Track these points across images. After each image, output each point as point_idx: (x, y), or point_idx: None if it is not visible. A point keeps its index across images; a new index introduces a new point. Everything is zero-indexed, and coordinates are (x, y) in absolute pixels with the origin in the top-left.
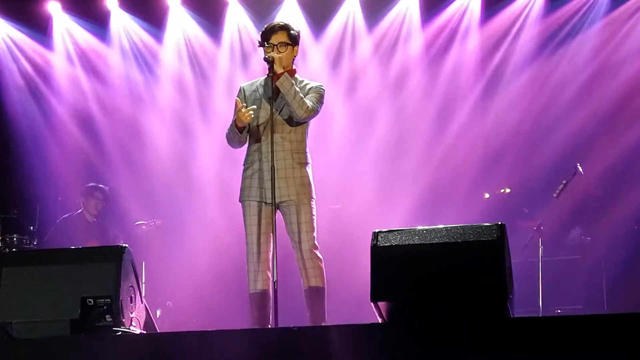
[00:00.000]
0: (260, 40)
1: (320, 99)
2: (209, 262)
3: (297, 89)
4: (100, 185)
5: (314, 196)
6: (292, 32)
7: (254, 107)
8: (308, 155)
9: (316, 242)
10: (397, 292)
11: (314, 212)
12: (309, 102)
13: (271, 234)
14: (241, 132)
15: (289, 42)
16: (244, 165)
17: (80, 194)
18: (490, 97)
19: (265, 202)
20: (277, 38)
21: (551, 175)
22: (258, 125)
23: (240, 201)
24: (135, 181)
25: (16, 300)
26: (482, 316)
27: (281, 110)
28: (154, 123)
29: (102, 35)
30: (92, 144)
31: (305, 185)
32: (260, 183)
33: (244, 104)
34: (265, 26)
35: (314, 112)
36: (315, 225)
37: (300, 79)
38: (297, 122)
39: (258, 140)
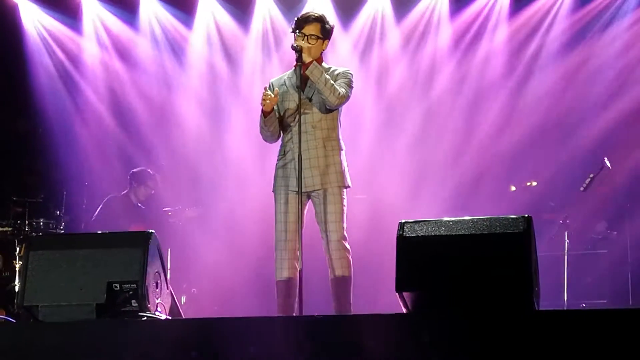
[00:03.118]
0: (293, 26)
1: (349, 84)
2: (235, 250)
3: (327, 76)
4: (154, 174)
5: (348, 183)
6: (326, 25)
7: (277, 90)
8: (341, 142)
9: (345, 233)
10: (422, 283)
11: (345, 202)
12: (340, 89)
13: (299, 223)
14: (266, 117)
15: (321, 35)
16: (277, 156)
17: (131, 177)
18: (519, 90)
19: (296, 192)
20: (309, 29)
21: (578, 169)
22: (289, 116)
23: (272, 191)
24: (161, 167)
25: (42, 284)
26: (507, 308)
27: (310, 98)
28: (182, 109)
29: (132, 20)
30: (119, 129)
31: (337, 172)
32: (291, 172)
33: (267, 87)
34: (302, 14)
35: (346, 97)
36: (345, 215)
37: (327, 66)
38: (327, 110)
39: (289, 131)
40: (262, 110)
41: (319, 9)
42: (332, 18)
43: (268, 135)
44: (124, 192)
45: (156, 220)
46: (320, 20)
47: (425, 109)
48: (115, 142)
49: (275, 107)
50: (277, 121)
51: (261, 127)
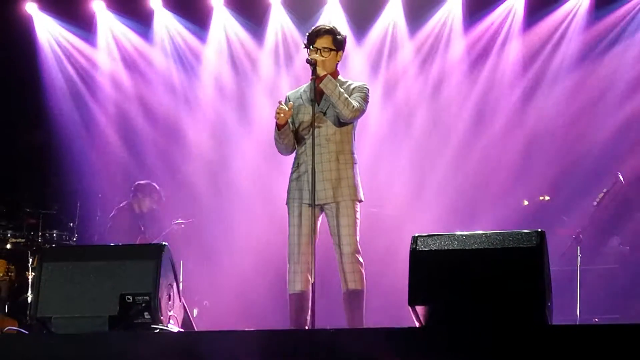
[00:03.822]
0: (305, 42)
1: (365, 98)
2: (246, 263)
3: (342, 90)
4: (157, 187)
5: (361, 198)
6: (337, 37)
7: (291, 103)
8: (355, 156)
9: (358, 246)
10: (435, 297)
11: (358, 215)
12: (354, 102)
13: (312, 236)
14: (280, 130)
15: (333, 47)
16: (291, 168)
17: (135, 188)
18: (532, 103)
19: (308, 204)
20: (321, 42)
21: (591, 184)
22: (303, 129)
23: (286, 204)
24: (174, 179)
25: (55, 295)
26: (520, 323)
27: (325, 112)
28: (195, 122)
29: (145, 34)
30: (133, 142)
31: (350, 187)
32: (304, 185)
33: (282, 101)
34: (312, 28)
35: (360, 111)
36: (357, 228)
37: (343, 79)
38: (342, 123)
39: (303, 144)
40: (276, 123)
41: (334, 23)
42: (345, 31)
43: (282, 148)
44: (124, 204)
45: (167, 230)
46: (332, 32)
47: (437, 121)
48: (128, 154)
49: (289, 120)
50: (291, 134)
51: (275, 140)
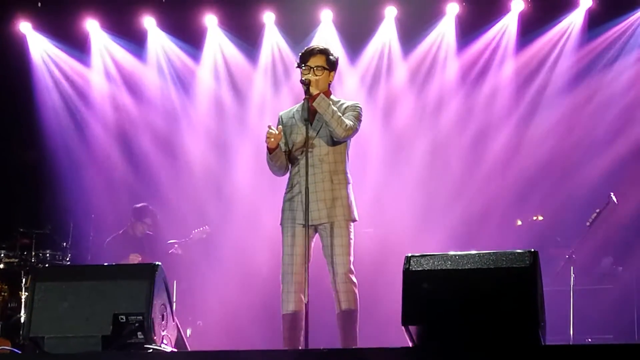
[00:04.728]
0: (298, 61)
1: (358, 117)
2: (240, 283)
3: (335, 109)
4: (152, 210)
5: (355, 217)
6: (330, 57)
7: (280, 127)
8: (348, 175)
9: (352, 267)
10: (428, 317)
11: (352, 236)
12: (347, 121)
13: (306, 256)
14: (271, 153)
15: (326, 66)
16: (285, 189)
17: (132, 212)
18: (525, 124)
19: (303, 225)
20: (314, 61)
21: (584, 204)
22: (297, 149)
23: (280, 224)
24: (168, 200)
25: (49, 315)
26: (513, 343)
27: (318, 131)
28: (188, 142)
29: (139, 53)
30: (126, 162)
31: (344, 206)
32: (298, 205)
33: (271, 125)
34: (305, 48)
35: (353, 130)
36: (352, 249)
37: (336, 99)
38: (335, 143)
39: (297, 164)
40: (267, 146)
41: (326, 43)
42: (339, 52)
43: (275, 169)
44: (123, 229)
45: (161, 252)
46: (325, 52)
47: (431, 143)
48: (122, 174)
49: (282, 141)
50: (283, 155)
51: (268, 162)
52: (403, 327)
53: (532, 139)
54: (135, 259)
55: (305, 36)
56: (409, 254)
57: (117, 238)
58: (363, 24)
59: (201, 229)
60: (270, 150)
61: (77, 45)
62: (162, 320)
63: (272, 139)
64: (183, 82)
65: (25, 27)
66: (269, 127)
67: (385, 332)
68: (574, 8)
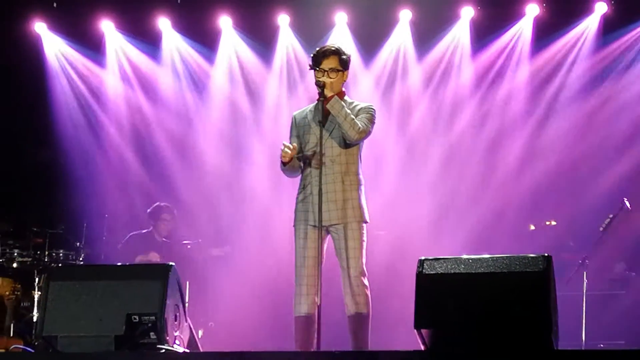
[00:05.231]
0: (311, 63)
1: (371, 119)
2: (252, 284)
3: (348, 111)
4: (166, 206)
5: (367, 219)
6: (343, 57)
7: (295, 145)
8: (361, 177)
9: (364, 268)
10: (441, 320)
11: (364, 237)
12: (360, 123)
13: (318, 258)
14: (285, 165)
15: (340, 67)
16: (298, 190)
17: (148, 216)
18: (539, 129)
19: (315, 226)
20: (328, 63)
21: (598, 210)
22: (309, 150)
23: (293, 226)
24: (181, 200)
25: (62, 314)
26: (526, 347)
27: (331, 133)
28: (203, 144)
29: (154, 54)
30: (140, 162)
31: (355, 208)
32: (310, 207)
33: (285, 143)
34: (317, 49)
35: (366, 132)
36: (364, 251)
37: (349, 100)
38: (347, 144)
39: (309, 165)
40: (281, 161)
41: (340, 45)
42: (354, 54)
43: (288, 174)
44: (147, 230)
45: (177, 256)
46: (338, 52)
47: (446, 146)
48: (136, 175)
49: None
50: (296, 161)
51: (281, 169)
52: (415, 331)
53: (546, 144)
54: (154, 257)
55: (319, 39)
56: (423, 257)
57: (141, 235)
58: (378, 27)
59: (221, 248)
60: (284, 164)
61: (92, 46)
62: (175, 320)
63: (287, 157)
64: (197, 83)
65: (40, 28)
66: (284, 144)
67: (397, 335)
68: (589, 13)
